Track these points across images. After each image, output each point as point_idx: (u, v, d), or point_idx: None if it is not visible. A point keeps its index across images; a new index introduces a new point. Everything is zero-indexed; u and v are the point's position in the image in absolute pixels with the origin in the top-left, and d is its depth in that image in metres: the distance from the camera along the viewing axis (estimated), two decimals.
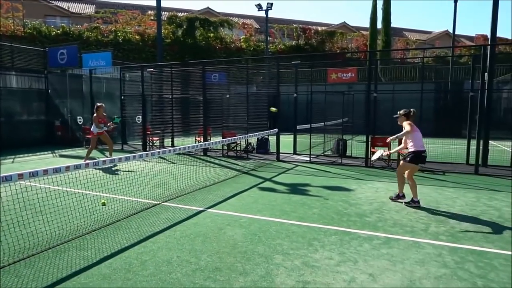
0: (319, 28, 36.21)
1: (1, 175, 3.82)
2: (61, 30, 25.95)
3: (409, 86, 18.38)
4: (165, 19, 29.46)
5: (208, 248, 4.25)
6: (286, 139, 12.94)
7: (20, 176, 3.96)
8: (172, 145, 13.11)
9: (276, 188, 7.45)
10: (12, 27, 25.04)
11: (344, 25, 42.90)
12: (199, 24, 30.14)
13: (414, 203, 6.03)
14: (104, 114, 10.34)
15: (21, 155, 11.89)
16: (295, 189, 7.36)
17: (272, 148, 12.25)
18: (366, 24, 36.06)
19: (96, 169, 8.36)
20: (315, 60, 20.90)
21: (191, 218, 5.37)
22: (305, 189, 7.30)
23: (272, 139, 12.13)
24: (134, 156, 5.85)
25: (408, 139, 6.11)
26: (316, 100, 12.15)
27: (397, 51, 33.42)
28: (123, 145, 14.29)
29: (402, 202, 6.23)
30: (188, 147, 7.24)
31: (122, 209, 5.71)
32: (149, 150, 12.64)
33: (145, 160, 9.92)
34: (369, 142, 10.15)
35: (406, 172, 6.11)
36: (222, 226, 5.01)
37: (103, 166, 8.78)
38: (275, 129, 11.05)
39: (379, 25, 28.63)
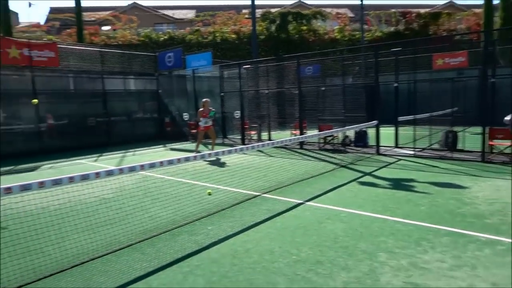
0: (421, 11, 33.15)
1: (129, 165, 4.39)
2: (167, 35, 28.55)
3: None
4: (259, 16, 30.21)
5: (309, 240, 4.27)
6: (387, 132, 12.21)
7: (142, 167, 4.51)
8: (269, 139, 13.45)
9: (377, 183, 7.10)
10: (129, 37, 28.42)
11: (451, 5, 38.51)
12: (292, 18, 30.18)
13: None
14: (210, 108, 11.11)
15: (139, 149, 13.49)
16: (399, 184, 6.91)
17: (372, 141, 11.69)
18: (479, 0, 31.80)
19: (202, 161, 9.04)
20: (417, 46, 19.22)
21: (291, 210, 5.45)
22: (410, 185, 6.81)
23: (371, 132, 11.56)
24: (235, 150, 6.16)
25: None
26: (419, 89, 11.18)
27: None
28: (224, 139, 15.17)
29: None
30: (285, 140, 7.34)
31: (225, 199, 6.08)
32: (247, 144, 13.19)
33: (244, 153, 10.36)
34: (486, 134, 8.96)
35: None
36: (322, 220, 4.98)
37: (208, 159, 9.48)
38: (374, 121, 10.51)
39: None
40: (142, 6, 37.46)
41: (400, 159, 9.64)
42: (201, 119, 11.07)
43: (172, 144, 14.67)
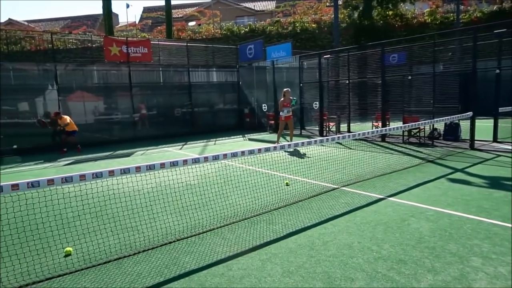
0: None
1: (212, 154, 4.64)
2: (248, 28, 29.15)
3: None
4: (341, 3, 29.15)
5: (391, 238, 4.08)
6: (483, 125, 10.99)
7: (225, 156, 4.72)
8: (348, 131, 13.03)
9: (471, 180, 6.45)
10: (212, 31, 29.68)
11: None
12: (377, 3, 28.54)
13: None
14: (291, 98, 11.14)
15: (220, 138, 14.14)
16: (496, 183, 6.19)
17: (464, 135, 10.61)
18: None
19: (281, 152, 9.15)
20: None
21: (371, 205, 5.25)
22: (511, 184, 6.05)
23: (464, 124, 10.49)
24: (315, 141, 6.10)
25: None
26: None
27: None
28: (301, 130, 15.11)
29: None
30: (366, 132, 7.05)
31: (303, 190, 6.08)
32: (326, 135, 12.96)
33: (323, 145, 10.22)
34: None
35: None
36: (406, 217, 4.70)
37: (287, 150, 9.55)
38: (469, 113, 9.52)
39: None
40: (225, 0, 38.76)
41: (499, 155, 8.60)
42: (283, 109, 11.12)
43: (251, 134, 15.07)
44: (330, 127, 14.02)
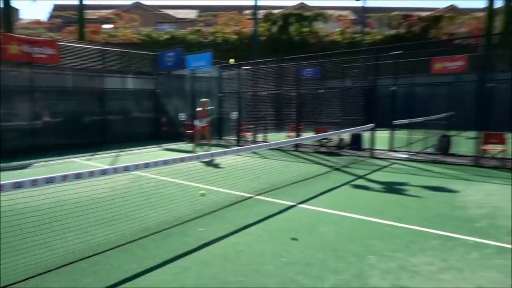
0: (423, 14, 33.20)
1: (123, 165, 4.41)
2: (169, 35, 28.58)
3: None
4: (261, 17, 30.25)
5: (300, 243, 4.29)
6: (382, 135, 12.25)
7: (136, 167, 4.51)
8: (265, 141, 13.46)
9: (370, 186, 7.12)
10: (130, 35, 28.45)
11: (452, 9, 38.56)
12: (294, 19, 30.23)
13: None
14: (207, 108, 11.16)
15: (134, 148, 13.49)
16: (391, 188, 6.94)
17: (367, 144, 11.71)
18: (481, 4, 31.84)
19: (197, 162, 9.04)
20: (417, 50, 19.22)
21: (283, 213, 5.47)
22: (403, 188, 6.83)
23: (367, 135, 11.59)
24: (230, 151, 6.18)
25: None
26: (417, 93, 11.23)
27: None
28: (219, 139, 15.17)
29: None
30: (280, 142, 7.36)
31: (218, 200, 6.09)
32: (243, 145, 13.20)
33: (239, 155, 10.38)
34: (481, 139, 9.00)
35: None
36: (314, 222, 4.99)
37: (203, 160, 9.48)
38: (371, 124, 10.54)
39: (498, 3, 25.00)
40: (144, 5, 37.52)
41: (394, 163, 9.66)
42: (200, 118, 11.10)
43: (168, 144, 14.68)
44: (247, 137, 14.33)
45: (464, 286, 3.24)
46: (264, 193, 6.61)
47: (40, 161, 10.68)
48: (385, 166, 9.20)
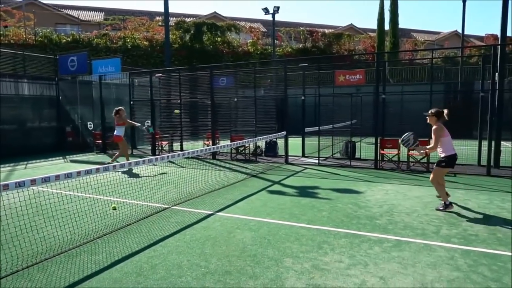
0: (326, 31, 36.17)
1: (15, 181, 3.89)
2: (71, 37, 26.34)
3: (418, 87, 18.18)
4: (173, 24, 29.73)
5: (218, 251, 4.26)
6: (295, 142, 12.93)
7: (33, 182, 4.03)
8: (181, 149, 13.18)
9: (285, 191, 7.44)
10: (24, 36, 25.51)
11: (351, 27, 42.78)
12: (207, 29, 30.33)
13: (444, 207, 5.88)
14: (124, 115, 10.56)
15: (34, 161, 12.07)
16: (304, 192, 7.34)
17: (281, 151, 12.25)
18: (374, 25, 35.90)
19: (107, 174, 8.44)
20: (322, 63, 20.85)
21: (201, 222, 5.39)
22: (314, 192, 7.28)
23: (281, 142, 12.13)
24: (144, 161, 5.90)
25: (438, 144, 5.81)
26: (324, 103, 12.13)
27: (405, 52, 33.17)
28: (133, 149, 14.42)
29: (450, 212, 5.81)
30: (197, 151, 7.28)
31: (132, 213, 5.76)
32: (159, 155, 12.74)
33: (154, 165, 9.99)
34: (378, 144, 10.09)
35: (433, 175, 5.98)
36: (232, 230, 5.02)
37: (114, 171, 8.88)
38: (283, 132, 11.05)
39: (387, 26, 28.50)
40: (41, 3, 34.04)
41: (306, 168, 10.26)
42: (116, 127, 10.40)
43: (74, 155, 13.45)
44: (163, 146, 13.89)
45: (369, 279, 3.56)
46: (182, 203, 6.45)
47: None
48: (298, 172, 9.70)
